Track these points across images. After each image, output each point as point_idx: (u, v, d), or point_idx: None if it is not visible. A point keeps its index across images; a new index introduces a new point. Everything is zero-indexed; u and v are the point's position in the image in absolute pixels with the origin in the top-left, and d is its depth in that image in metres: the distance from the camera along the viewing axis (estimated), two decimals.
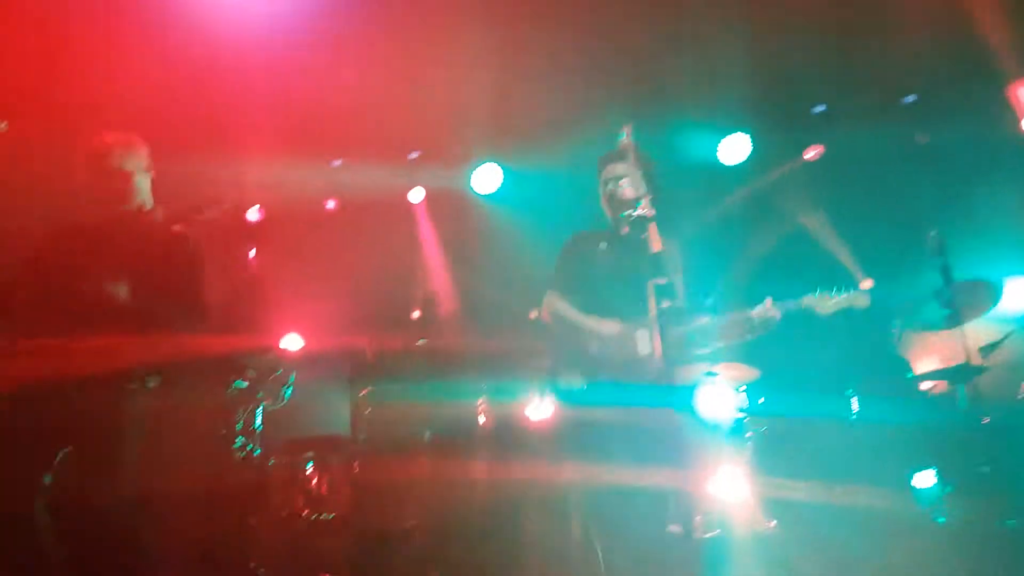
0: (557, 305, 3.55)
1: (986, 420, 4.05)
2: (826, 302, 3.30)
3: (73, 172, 3.35)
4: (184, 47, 4.67)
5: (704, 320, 3.32)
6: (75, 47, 4.54)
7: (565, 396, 3.46)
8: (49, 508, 3.01)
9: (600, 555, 3.76)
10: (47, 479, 3.04)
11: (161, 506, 3.64)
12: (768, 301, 3.35)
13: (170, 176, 3.51)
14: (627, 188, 3.39)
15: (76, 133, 3.47)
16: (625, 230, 3.33)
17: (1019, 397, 4.49)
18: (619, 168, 3.46)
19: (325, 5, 4.73)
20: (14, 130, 3.69)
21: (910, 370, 4.83)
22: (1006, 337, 4.62)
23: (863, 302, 3.25)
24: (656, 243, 2.98)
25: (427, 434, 4.65)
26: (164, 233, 3.33)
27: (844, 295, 3.26)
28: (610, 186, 3.50)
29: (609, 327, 3.35)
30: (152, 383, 3.22)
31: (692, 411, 3.42)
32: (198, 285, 3.32)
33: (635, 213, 3.05)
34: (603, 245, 3.54)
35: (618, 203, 3.41)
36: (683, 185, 4.73)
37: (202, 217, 3.34)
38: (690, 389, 3.44)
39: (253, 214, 5.73)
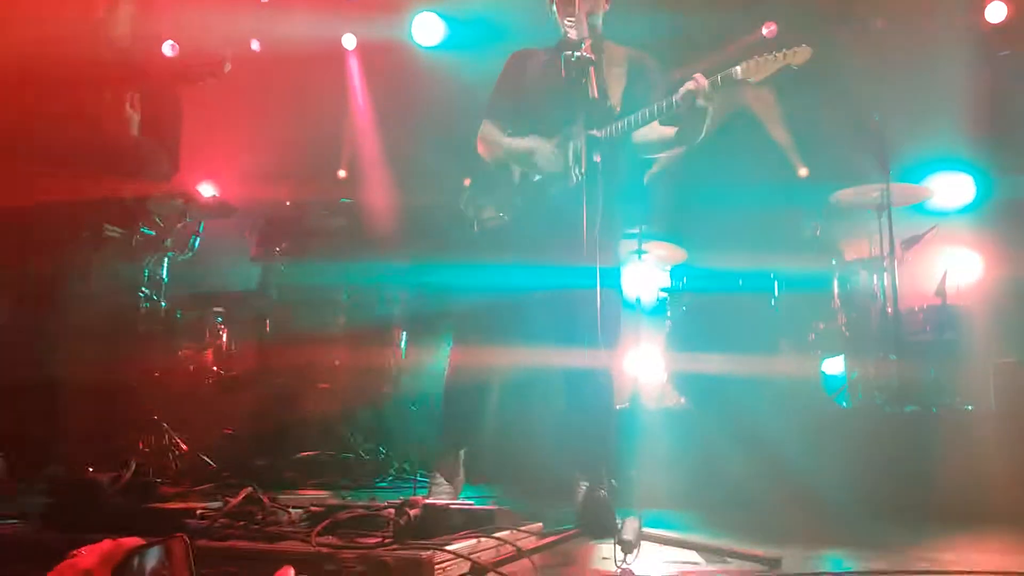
0: (490, 134, 3.15)
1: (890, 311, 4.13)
2: (759, 66, 2.87)
3: None
4: None
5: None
6: None
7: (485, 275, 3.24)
8: None
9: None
10: None
11: (64, 352, 3.51)
12: (698, 76, 2.97)
13: None
14: None
15: None
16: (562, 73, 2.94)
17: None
18: None
19: None
20: None
21: (833, 256, 4.85)
22: (928, 231, 4.67)
23: (801, 58, 2.88)
24: (594, 90, 2.74)
25: (343, 295, 4.50)
26: None
27: (779, 53, 2.86)
28: None
29: (531, 143, 3.00)
30: None
31: (617, 289, 3.29)
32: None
33: (576, 54, 2.77)
34: (545, 59, 3.12)
35: (567, 4, 3.00)
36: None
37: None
38: (616, 269, 3.29)
39: (168, 49, 5.26)
